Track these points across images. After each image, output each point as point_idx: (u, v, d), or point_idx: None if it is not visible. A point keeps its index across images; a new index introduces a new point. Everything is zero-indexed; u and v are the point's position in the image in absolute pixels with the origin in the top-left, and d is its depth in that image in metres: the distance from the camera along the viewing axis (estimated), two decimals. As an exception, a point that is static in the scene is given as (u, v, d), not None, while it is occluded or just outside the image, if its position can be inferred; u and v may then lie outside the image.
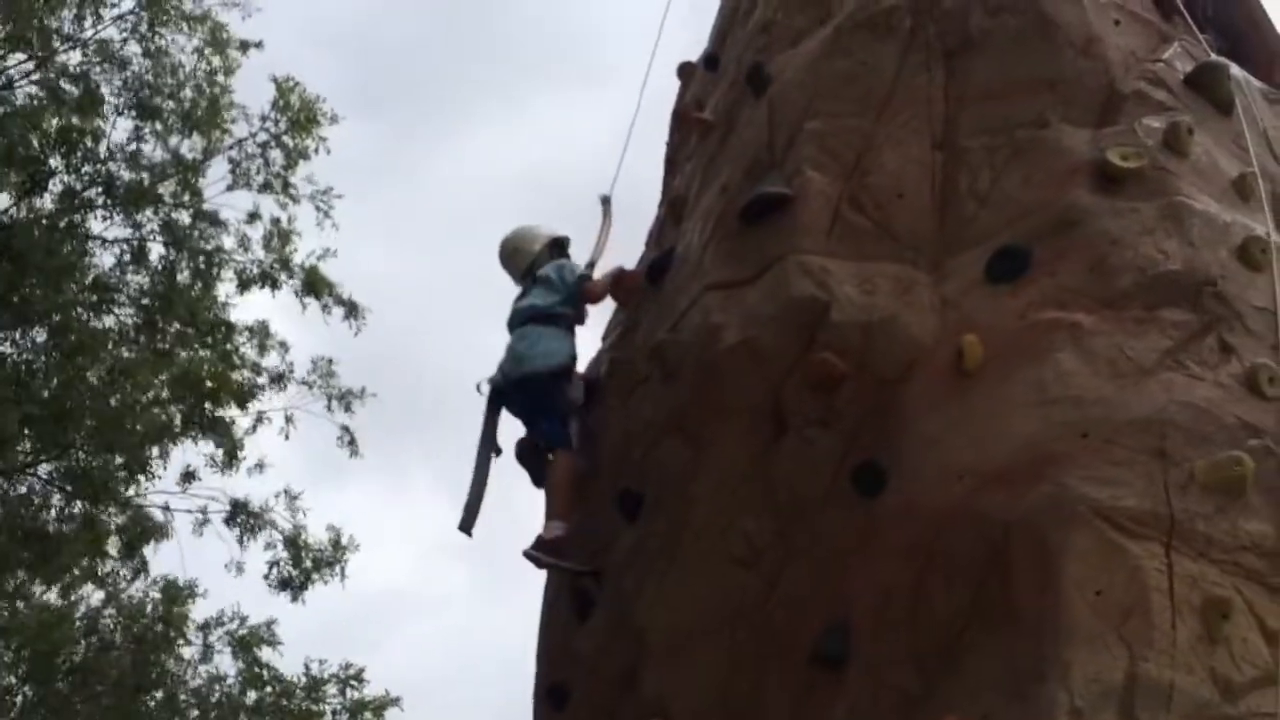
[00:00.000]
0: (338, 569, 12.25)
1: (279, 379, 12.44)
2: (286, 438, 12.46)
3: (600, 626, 4.69)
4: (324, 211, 12.48)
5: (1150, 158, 4.02)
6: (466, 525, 5.31)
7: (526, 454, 5.43)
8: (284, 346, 12.55)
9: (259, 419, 12.31)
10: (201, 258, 11.97)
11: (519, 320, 5.54)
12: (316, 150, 12.48)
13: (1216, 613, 3.10)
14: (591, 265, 5.86)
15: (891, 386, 4.08)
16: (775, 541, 4.19)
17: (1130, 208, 3.92)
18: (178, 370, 11.63)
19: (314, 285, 12.36)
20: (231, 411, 12.10)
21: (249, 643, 11.81)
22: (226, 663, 12.05)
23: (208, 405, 11.71)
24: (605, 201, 6.30)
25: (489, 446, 5.41)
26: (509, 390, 5.39)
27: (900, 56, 4.62)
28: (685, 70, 7.01)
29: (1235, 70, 4.64)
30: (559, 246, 5.88)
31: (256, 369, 12.39)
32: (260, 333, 12.38)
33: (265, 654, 11.90)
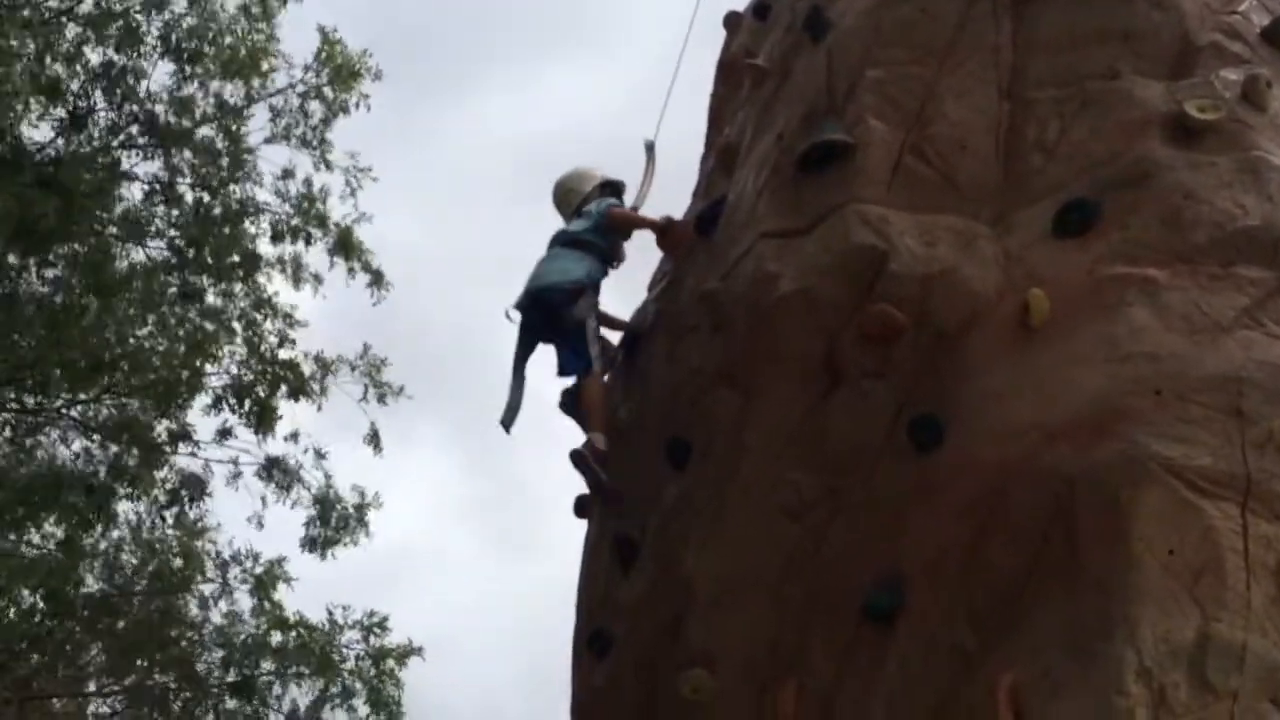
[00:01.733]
0: (362, 530, 12.33)
1: (327, 368, 12.45)
2: (319, 409, 12.51)
3: (645, 575, 4.65)
4: (352, 188, 12.44)
5: (1228, 110, 3.91)
6: (507, 422, 5.51)
7: (569, 406, 5.40)
8: (301, 323, 12.50)
9: (301, 389, 12.31)
10: (235, 203, 11.93)
11: (551, 246, 5.72)
12: (358, 105, 12.41)
13: (1293, 574, 3.03)
14: (635, 210, 5.85)
15: (951, 340, 4.00)
16: (825, 494, 4.14)
17: (1207, 161, 3.82)
18: (244, 351, 11.68)
19: (346, 247, 12.34)
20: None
21: (265, 582, 11.90)
22: (245, 602, 12.17)
23: (265, 389, 11.79)
24: (649, 147, 6.24)
25: (524, 356, 5.60)
26: (528, 307, 5.55)
27: (965, 5, 4.50)
28: (732, 20, 6.88)
29: (1314, 24, 4.49)
30: (611, 188, 5.91)
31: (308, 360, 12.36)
32: (292, 267, 12.32)
33: (283, 594, 12.00)
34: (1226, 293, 3.52)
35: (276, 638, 11.75)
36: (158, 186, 11.78)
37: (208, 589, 12.28)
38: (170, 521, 12.12)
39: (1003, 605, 3.46)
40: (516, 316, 5.62)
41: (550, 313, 5.47)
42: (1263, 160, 3.79)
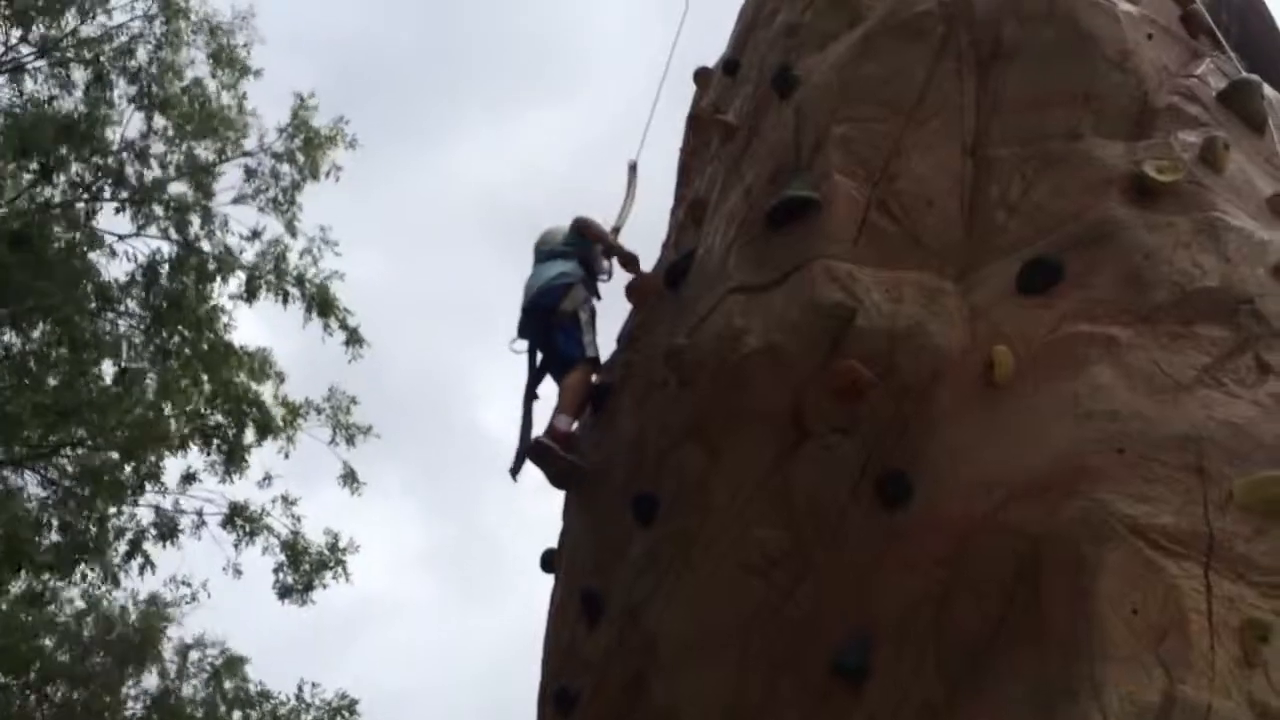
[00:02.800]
0: (339, 570, 12.21)
1: (295, 412, 12.40)
2: (286, 456, 12.43)
3: (610, 631, 4.60)
4: (314, 258, 12.49)
5: (1186, 172, 3.97)
6: (515, 470, 5.55)
7: (539, 454, 5.38)
8: (280, 377, 12.51)
9: (268, 428, 12.25)
10: (210, 265, 11.94)
11: (534, 265, 5.91)
12: (329, 174, 12.51)
13: (1255, 636, 3.03)
14: (616, 230, 6.01)
15: (916, 396, 4.01)
16: (792, 550, 4.11)
17: (1165, 221, 3.87)
18: (217, 392, 11.61)
19: (325, 305, 12.37)
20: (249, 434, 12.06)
21: (223, 673, 11.78)
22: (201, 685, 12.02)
23: (233, 429, 11.71)
24: (632, 169, 6.36)
25: (533, 389, 5.71)
26: (525, 323, 5.69)
27: (931, 63, 4.57)
28: (701, 75, 6.96)
29: (1268, 89, 4.60)
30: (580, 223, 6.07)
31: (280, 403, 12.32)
32: (260, 359, 12.34)
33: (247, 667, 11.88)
34: (1187, 352, 3.55)
35: (237, 717, 11.58)
36: (135, 260, 11.79)
37: (171, 668, 12.11)
38: (132, 582, 11.94)
39: (971, 662, 3.44)
40: (521, 345, 5.76)
41: (545, 316, 5.59)
42: (1220, 221, 3.85)
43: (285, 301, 12.36)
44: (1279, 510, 3.23)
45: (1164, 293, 3.71)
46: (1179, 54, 4.71)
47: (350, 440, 12.65)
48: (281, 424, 12.16)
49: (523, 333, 5.76)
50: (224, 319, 12.19)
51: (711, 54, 6.85)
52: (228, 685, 11.91)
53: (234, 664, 12.07)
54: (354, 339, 12.51)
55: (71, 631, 11.91)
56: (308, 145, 12.33)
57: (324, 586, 12.22)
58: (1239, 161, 4.18)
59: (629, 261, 5.81)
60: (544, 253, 5.94)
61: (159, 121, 11.79)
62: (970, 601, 3.48)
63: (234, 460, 11.86)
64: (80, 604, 12.13)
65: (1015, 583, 3.38)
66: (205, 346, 11.81)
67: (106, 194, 11.72)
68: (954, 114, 4.41)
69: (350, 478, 12.53)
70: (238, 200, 12.39)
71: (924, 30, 4.54)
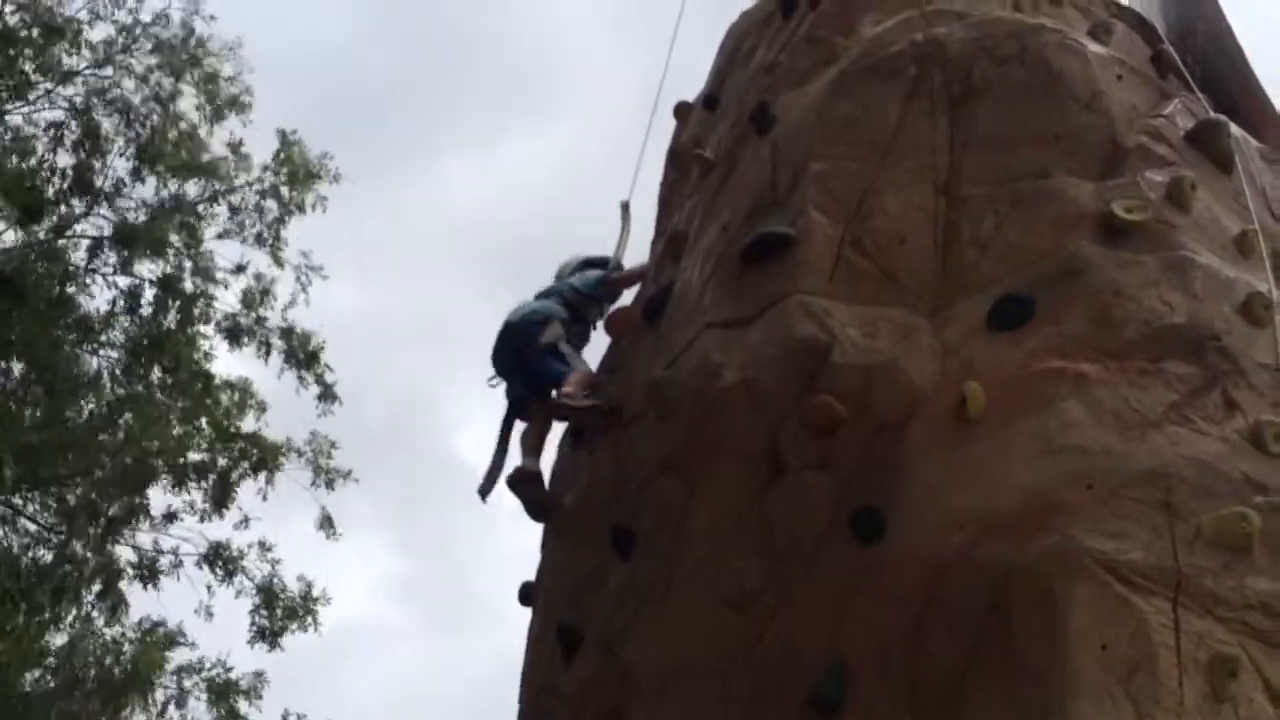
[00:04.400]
0: (310, 620, 12.21)
1: (277, 451, 12.44)
2: (265, 499, 12.45)
3: (588, 664, 4.59)
4: (303, 285, 12.59)
5: (1154, 211, 4.05)
6: (484, 491, 5.58)
7: (518, 483, 5.40)
8: (262, 407, 12.55)
9: (239, 473, 12.26)
10: (195, 307, 11.99)
11: None
12: (314, 208, 12.62)
13: (1224, 671, 3.06)
14: (618, 266, 6.12)
15: (891, 431, 4.05)
16: (769, 584, 4.13)
17: (1134, 260, 3.94)
18: (208, 429, 11.61)
19: (308, 360, 12.45)
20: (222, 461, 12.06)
21: (224, 691, 11.68)
22: (201, 710, 11.91)
23: (226, 461, 11.69)
24: (624, 206, 6.43)
25: (510, 421, 5.73)
26: (500, 352, 5.72)
27: (904, 102, 4.64)
28: (682, 110, 7.03)
29: (1234, 128, 4.69)
30: (589, 263, 6.17)
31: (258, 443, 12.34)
32: (241, 389, 12.37)
33: (241, 705, 11.77)
34: (1155, 389, 3.61)
35: None
36: (123, 295, 11.81)
37: (161, 694, 11.98)
38: (107, 617, 11.83)
39: (945, 695, 3.45)
40: (498, 382, 5.78)
41: (520, 347, 5.63)
42: (1187, 259, 3.91)
43: (267, 353, 12.47)
44: (1246, 546, 3.28)
45: (1133, 330, 3.77)
46: (1148, 94, 4.80)
47: (330, 484, 12.72)
48: (271, 461, 12.19)
49: (495, 357, 5.79)
50: (204, 347, 12.21)
51: (693, 86, 6.95)
52: (217, 714, 11.77)
53: (230, 687, 11.88)
54: (328, 395, 12.65)
55: (63, 661, 11.76)
56: (292, 180, 12.44)
57: (294, 633, 12.23)
58: (1206, 200, 4.25)
59: (625, 325, 5.73)
60: (541, 291, 6.01)
61: (148, 170, 11.88)
62: (944, 636, 3.51)
63: (222, 497, 11.86)
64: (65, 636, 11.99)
65: (988, 617, 3.41)
66: (185, 377, 11.81)
67: (92, 233, 11.78)
68: (926, 153, 4.47)
69: (327, 522, 12.58)
70: (223, 235, 12.48)
71: (897, 71, 4.61)
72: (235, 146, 12.46)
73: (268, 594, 12.19)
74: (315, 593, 12.39)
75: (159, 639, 11.84)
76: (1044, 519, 3.40)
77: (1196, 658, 3.10)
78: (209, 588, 12.17)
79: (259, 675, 11.91)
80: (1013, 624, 3.34)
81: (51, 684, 11.41)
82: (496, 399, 5.85)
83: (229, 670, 11.91)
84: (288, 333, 12.52)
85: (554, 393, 5.41)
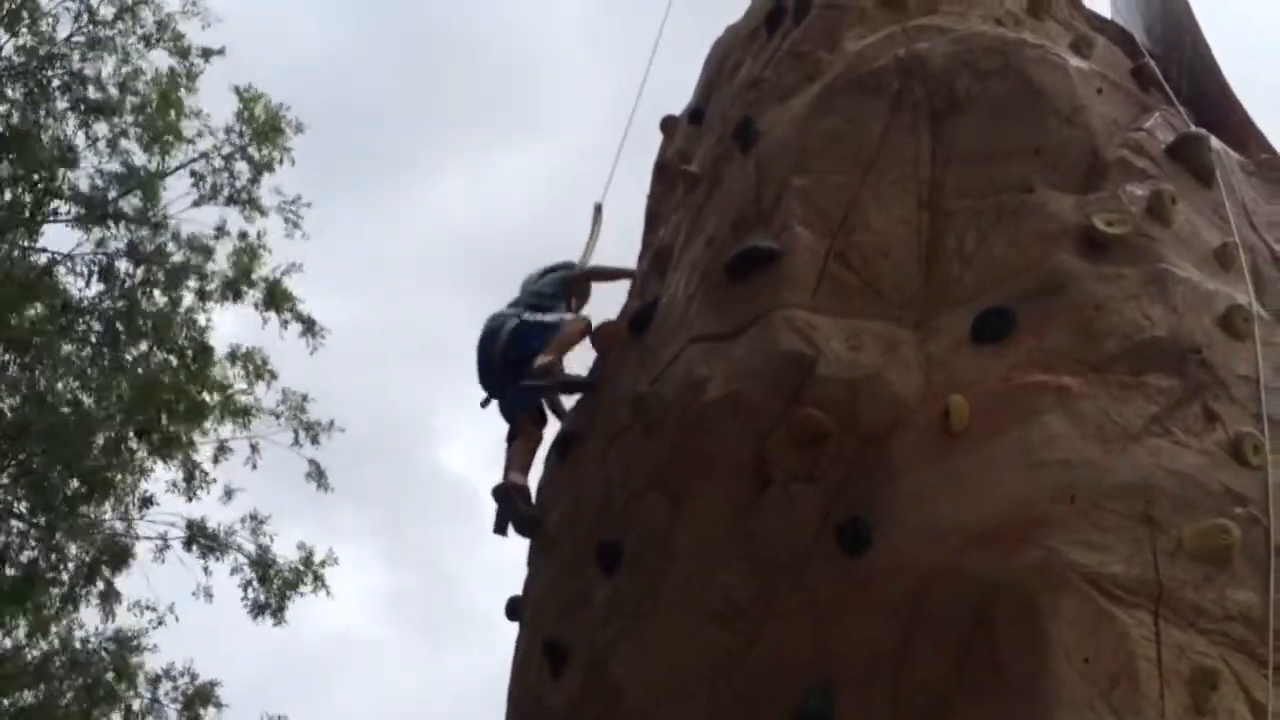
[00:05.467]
0: (317, 584, 12.04)
1: (244, 412, 12.29)
2: (254, 467, 12.29)
3: (575, 680, 4.59)
4: (293, 222, 12.44)
5: (1135, 225, 4.07)
6: (500, 528, 5.55)
7: (505, 497, 5.41)
8: (272, 374, 12.39)
9: (221, 448, 12.13)
10: (163, 273, 11.82)
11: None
12: (281, 161, 12.46)
13: (1205, 683, 3.08)
14: (582, 268, 6.12)
15: (876, 444, 4.06)
16: (756, 598, 4.13)
17: (1115, 273, 3.96)
18: (138, 383, 11.40)
19: (275, 298, 12.26)
20: (196, 436, 11.90)
21: (194, 700, 11.58)
22: (172, 717, 11.82)
23: (164, 419, 11.49)
24: (598, 209, 6.46)
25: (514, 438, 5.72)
26: (483, 372, 5.72)
27: (887, 117, 4.67)
28: (668, 124, 7.06)
29: (1215, 142, 4.73)
30: (552, 269, 6.20)
31: (232, 399, 12.17)
32: (245, 358, 12.19)
33: (210, 715, 11.69)
34: (1136, 401, 3.63)
35: None
36: (94, 268, 11.66)
37: (136, 704, 11.88)
38: (94, 614, 11.74)
39: (931, 709, 3.47)
40: (490, 403, 5.81)
41: (490, 359, 5.65)
42: (1168, 273, 3.94)
43: (237, 297, 12.24)
44: (1227, 558, 3.30)
45: (1114, 343, 3.79)
46: (1129, 108, 4.84)
47: (314, 439, 12.50)
48: (239, 427, 11.95)
49: (482, 381, 5.79)
50: (202, 320, 12.05)
51: (675, 96, 6.99)
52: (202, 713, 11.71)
53: (204, 693, 11.78)
54: (310, 329, 12.42)
55: (42, 669, 11.67)
56: (258, 136, 12.26)
57: (301, 595, 12.03)
58: (1187, 213, 4.28)
59: (612, 339, 5.70)
60: (516, 298, 6.04)
61: (101, 129, 11.67)
62: (929, 650, 3.52)
63: (171, 449, 11.59)
64: (52, 642, 11.89)
65: (972, 631, 3.42)
66: (174, 353, 11.61)
67: (51, 209, 11.60)
68: (910, 167, 4.50)
69: (316, 472, 12.36)
70: (198, 203, 12.34)
71: (880, 85, 4.64)
72: (200, 117, 12.20)
73: (262, 567, 11.97)
74: (318, 557, 12.14)
75: (128, 645, 11.71)
76: (1027, 532, 3.41)
77: (1178, 670, 3.12)
78: (205, 569, 12.00)
79: (212, 684, 11.75)
80: (997, 637, 3.35)
81: (29, 698, 11.32)
82: (485, 413, 5.87)
83: (195, 677, 11.76)
84: (246, 274, 12.19)
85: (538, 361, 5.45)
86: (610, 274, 6.17)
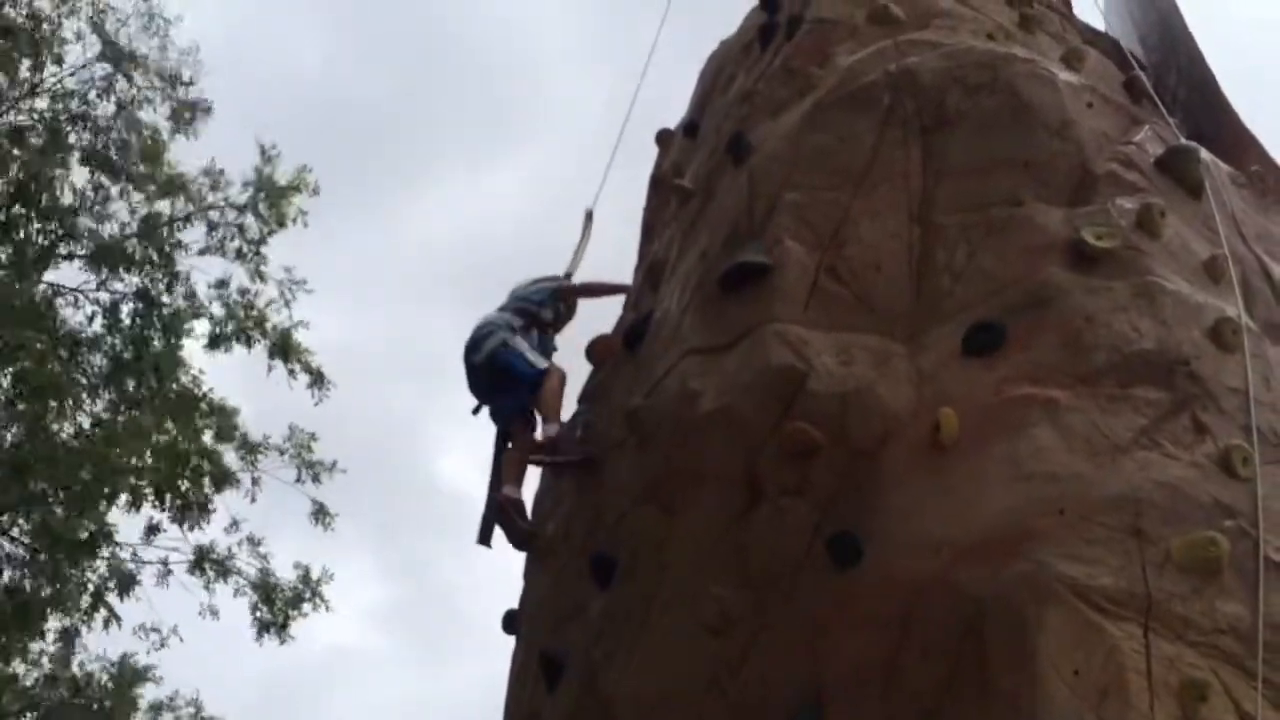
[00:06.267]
0: (316, 600, 12.14)
1: (254, 449, 12.40)
2: (253, 500, 12.39)
3: (570, 693, 4.60)
4: (286, 300, 12.59)
5: (1123, 238, 4.09)
6: (484, 539, 5.58)
7: (501, 511, 5.43)
8: (244, 438, 12.48)
9: (224, 479, 12.21)
10: (171, 314, 11.95)
11: None
12: (295, 221, 12.62)
13: (1194, 695, 3.09)
14: (569, 275, 6.14)
15: (867, 457, 4.07)
16: (748, 611, 4.14)
17: (1104, 286, 3.98)
18: (162, 445, 11.57)
19: (286, 349, 12.41)
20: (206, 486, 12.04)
21: None
22: None
23: (186, 483, 11.66)
24: (588, 215, 6.50)
25: (501, 449, 5.75)
26: (472, 378, 5.74)
27: (878, 132, 4.69)
28: (664, 137, 7.09)
29: (1204, 154, 4.75)
30: (537, 282, 6.19)
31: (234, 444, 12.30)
32: (221, 414, 12.33)
33: None
34: (1125, 414, 3.64)
35: None
36: (100, 309, 11.80)
37: None
38: (98, 638, 11.76)
39: (922, 721, 3.47)
40: (482, 410, 5.82)
41: (481, 364, 5.67)
42: (1156, 285, 3.96)
43: (249, 344, 12.39)
44: (1216, 570, 3.30)
45: (1103, 355, 3.80)
46: (1119, 121, 4.86)
47: (315, 478, 12.62)
48: (245, 465, 12.11)
49: (472, 387, 5.83)
50: (192, 370, 12.19)
51: (666, 104, 7.05)
52: None
53: None
54: (318, 381, 12.55)
55: (37, 695, 11.70)
56: (271, 196, 12.44)
57: (304, 616, 12.15)
58: (1176, 226, 4.30)
59: (606, 352, 5.72)
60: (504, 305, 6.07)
61: (114, 180, 11.85)
62: (919, 661, 3.52)
63: (193, 512, 11.80)
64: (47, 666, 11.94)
65: (962, 643, 3.43)
66: (171, 395, 11.74)
67: (62, 251, 11.75)
68: (900, 181, 4.52)
69: (321, 513, 12.49)
70: (204, 252, 12.49)
71: (871, 100, 4.67)
72: (212, 172, 12.45)
73: (264, 588, 12.11)
74: (315, 575, 12.27)
75: (129, 675, 11.76)
76: (1016, 545, 3.42)
77: (1167, 682, 3.13)
78: (207, 588, 12.08)
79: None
80: (986, 650, 3.36)
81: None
82: (477, 426, 5.89)
83: (200, 709, 11.90)
84: (260, 322, 12.37)
85: (539, 430, 5.49)
86: (602, 290, 6.18)
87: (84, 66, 11.89)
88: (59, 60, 11.97)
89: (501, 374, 5.62)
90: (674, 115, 6.88)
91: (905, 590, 3.63)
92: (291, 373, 12.52)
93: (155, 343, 11.79)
